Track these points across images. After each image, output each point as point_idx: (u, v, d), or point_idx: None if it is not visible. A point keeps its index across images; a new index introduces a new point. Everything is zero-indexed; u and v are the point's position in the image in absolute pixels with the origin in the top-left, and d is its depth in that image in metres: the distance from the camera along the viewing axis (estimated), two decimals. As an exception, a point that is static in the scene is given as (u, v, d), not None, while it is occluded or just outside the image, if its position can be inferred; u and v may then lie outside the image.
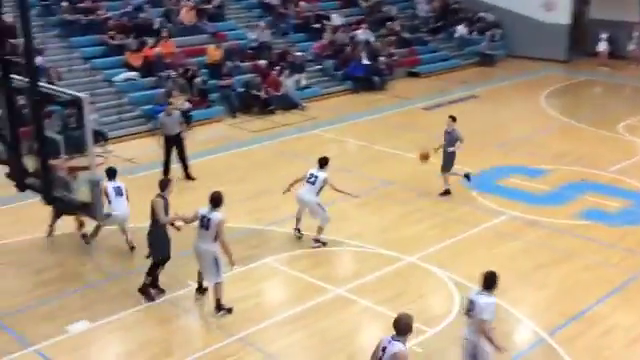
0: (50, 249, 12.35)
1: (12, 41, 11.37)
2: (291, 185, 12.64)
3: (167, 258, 10.68)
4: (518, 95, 24.23)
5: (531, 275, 11.66)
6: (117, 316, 10.30)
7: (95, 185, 9.07)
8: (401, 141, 18.59)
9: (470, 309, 8.05)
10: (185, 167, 15.96)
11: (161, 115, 16.21)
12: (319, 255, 12.22)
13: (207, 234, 10.03)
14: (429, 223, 13.60)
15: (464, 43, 29.11)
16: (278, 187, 14.67)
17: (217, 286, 10.20)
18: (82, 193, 9.24)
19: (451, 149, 14.72)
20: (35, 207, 10.93)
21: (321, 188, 12.25)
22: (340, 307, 10.62)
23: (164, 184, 10.67)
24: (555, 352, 9.58)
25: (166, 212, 10.39)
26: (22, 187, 9.87)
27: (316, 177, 12.28)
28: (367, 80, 24.46)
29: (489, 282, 8.13)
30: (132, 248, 12.05)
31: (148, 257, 10.77)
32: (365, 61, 24.70)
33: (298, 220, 12.63)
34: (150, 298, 10.60)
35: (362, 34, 26.38)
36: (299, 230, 12.61)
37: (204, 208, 10.13)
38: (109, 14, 22.35)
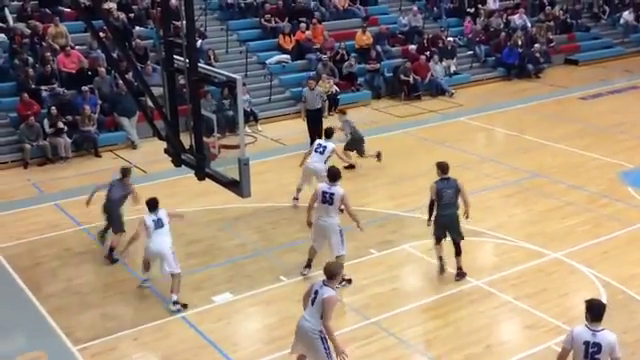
0: (201, 223, 13.03)
1: (176, 23, 12.03)
2: (304, 159, 13.55)
3: None
4: (687, 86, 22.44)
5: (689, 281, 10.85)
6: (258, 290, 10.72)
7: (244, 164, 9.43)
8: (554, 132, 17.83)
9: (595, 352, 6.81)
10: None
11: (304, 90, 16.79)
12: (459, 245, 12.04)
13: (331, 208, 10.42)
14: (579, 219, 12.98)
15: (629, 30, 27.32)
16: (419, 174, 14.64)
17: (341, 258, 10.38)
18: (231, 171, 9.65)
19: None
20: (189, 181, 11.54)
21: (328, 157, 13.21)
22: (478, 299, 10.43)
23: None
24: None
25: None
26: (178, 162, 10.45)
27: (324, 147, 13.34)
28: (521, 67, 23.61)
29: (601, 313, 6.95)
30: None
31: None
32: (520, 48, 23.84)
33: (299, 190, 13.38)
34: None
35: (518, 19, 25.47)
36: (297, 199, 13.38)
37: (323, 184, 10.63)
38: (266, -2, 23.08)
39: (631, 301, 10.26)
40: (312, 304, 7.86)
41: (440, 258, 10.93)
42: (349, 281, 10.72)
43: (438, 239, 10.81)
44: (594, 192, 14.10)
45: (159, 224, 10.46)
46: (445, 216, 10.60)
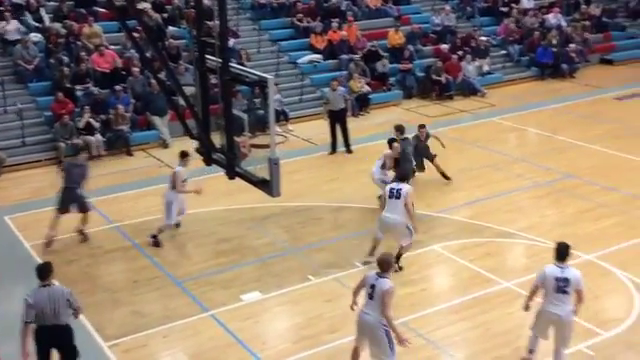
0: (231, 222, 13.11)
1: (209, 23, 12.11)
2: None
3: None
4: None
5: None
6: (287, 290, 10.76)
7: (274, 163, 9.46)
8: (588, 132, 17.58)
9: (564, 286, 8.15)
10: (346, 141, 16.61)
11: (327, 90, 16.81)
12: (489, 246, 11.93)
13: (398, 203, 10.81)
14: (613, 220, 12.78)
15: (667, 28, 26.80)
16: (450, 174, 14.53)
17: (408, 247, 11.02)
18: (261, 170, 9.69)
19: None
20: (219, 180, 11.63)
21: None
22: (507, 301, 10.32)
23: None
24: None
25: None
26: (209, 161, 10.53)
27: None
28: (555, 67, 23.32)
29: (566, 252, 8.29)
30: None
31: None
32: (554, 47, 23.53)
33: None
34: None
35: (553, 18, 25.16)
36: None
37: (392, 183, 11.14)
38: (299, -2, 23.13)
39: (666, 305, 10.08)
40: (371, 298, 8.06)
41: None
42: (401, 268, 11.03)
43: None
44: (628, 194, 13.86)
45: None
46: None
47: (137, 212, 13.54)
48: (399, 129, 13.74)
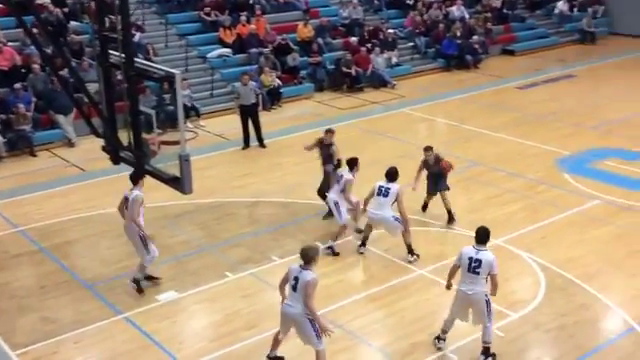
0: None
1: (111, 17, 11.75)
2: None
3: None
4: (619, 75, 23.13)
5: (623, 262, 11.21)
6: (203, 288, 10.61)
7: (185, 160, 9.31)
8: (492, 121, 18.17)
9: (476, 266, 8.47)
10: (259, 136, 16.52)
11: (237, 85, 16.68)
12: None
13: (386, 201, 10.94)
14: (518, 205, 13.27)
15: (564, 19, 28.05)
16: (363, 165, 14.66)
17: (408, 235, 11.21)
18: (173, 167, 9.51)
19: None
20: (128, 179, 11.33)
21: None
22: (422, 288, 10.56)
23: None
24: (646, 343, 9.20)
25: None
26: (116, 160, 10.25)
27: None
28: (460, 58, 23.97)
29: (485, 236, 8.64)
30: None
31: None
32: (458, 39, 24.18)
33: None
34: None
35: (457, 10, 25.83)
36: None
37: (381, 181, 11.08)
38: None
39: (569, 284, 10.55)
40: (294, 290, 8.10)
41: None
42: (418, 256, 11.25)
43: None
44: (532, 179, 14.43)
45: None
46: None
47: (43, 215, 13.05)
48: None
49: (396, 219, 11.07)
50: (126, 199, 10.25)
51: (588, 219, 12.65)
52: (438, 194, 12.53)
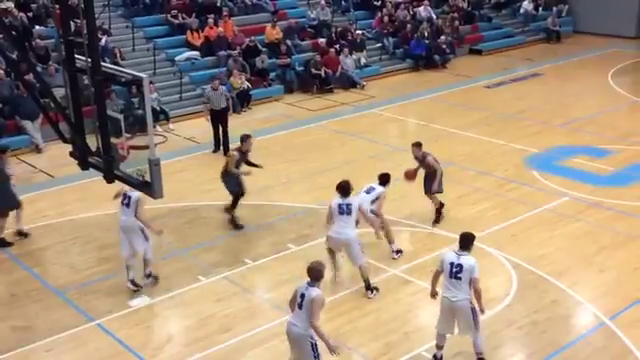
0: (114, 227, 12.63)
1: (77, 22, 11.60)
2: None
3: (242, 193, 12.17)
4: (584, 73, 23.48)
5: (592, 258, 11.38)
6: (176, 292, 10.54)
7: (154, 164, 9.22)
8: (461, 120, 18.32)
9: (457, 271, 8.38)
10: (225, 141, 16.25)
11: (207, 89, 16.55)
12: (373, 235, 12.17)
13: (350, 219, 10.29)
14: (488, 204, 13.40)
15: (529, 19, 28.40)
16: (335, 166, 14.74)
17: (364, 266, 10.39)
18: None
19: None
20: (100, 185, 11.19)
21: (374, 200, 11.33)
22: (395, 287, 10.60)
23: None
24: (615, 336, 9.34)
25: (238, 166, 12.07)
26: (85, 165, 10.11)
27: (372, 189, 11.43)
28: (428, 58, 24.13)
29: (469, 242, 8.55)
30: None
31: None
32: (426, 39, 24.35)
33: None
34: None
35: (424, 11, 26.01)
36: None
37: (338, 198, 10.30)
38: (172, -7, 22.65)
39: (540, 281, 10.68)
40: (300, 308, 7.81)
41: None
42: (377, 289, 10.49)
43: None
44: (502, 177, 14.58)
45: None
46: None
47: (10, 222, 12.82)
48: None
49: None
50: (125, 196, 10.43)
51: (557, 216, 12.83)
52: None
